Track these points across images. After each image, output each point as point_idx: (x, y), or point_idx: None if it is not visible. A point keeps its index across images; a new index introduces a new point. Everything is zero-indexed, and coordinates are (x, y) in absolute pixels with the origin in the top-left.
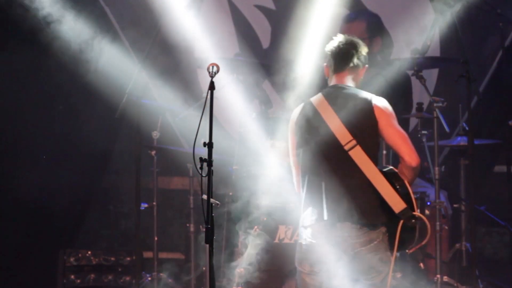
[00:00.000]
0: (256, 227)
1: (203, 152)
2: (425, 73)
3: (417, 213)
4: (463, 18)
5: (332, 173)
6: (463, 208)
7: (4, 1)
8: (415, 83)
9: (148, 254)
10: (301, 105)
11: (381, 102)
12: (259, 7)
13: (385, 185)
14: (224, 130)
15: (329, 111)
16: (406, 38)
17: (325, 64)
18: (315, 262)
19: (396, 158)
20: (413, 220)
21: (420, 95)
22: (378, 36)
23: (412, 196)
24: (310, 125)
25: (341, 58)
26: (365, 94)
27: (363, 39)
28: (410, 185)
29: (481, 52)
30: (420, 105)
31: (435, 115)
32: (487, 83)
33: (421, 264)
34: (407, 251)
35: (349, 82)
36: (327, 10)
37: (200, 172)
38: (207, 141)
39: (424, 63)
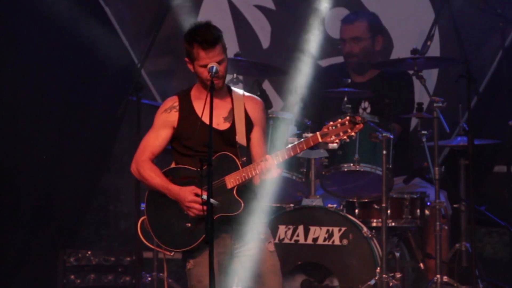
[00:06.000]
0: None
1: None
2: (425, 73)
3: None
4: (463, 18)
5: None
6: (463, 208)
7: None
8: (415, 83)
9: (148, 254)
10: None
11: None
12: (259, 7)
13: None
14: None
15: None
16: (406, 38)
17: None
18: None
19: (396, 158)
20: None
21: (420, 95)
22: (380, 34)
23: None
24: None
25: None
26: None
27: (365, 39)
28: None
29: (481, 52)
30: (420, 105)
31: (435, 115)
32: (487, 83)
33: (421, 264)
34: None
35: None
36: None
37: (200, 172)
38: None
39: (424, 63)
